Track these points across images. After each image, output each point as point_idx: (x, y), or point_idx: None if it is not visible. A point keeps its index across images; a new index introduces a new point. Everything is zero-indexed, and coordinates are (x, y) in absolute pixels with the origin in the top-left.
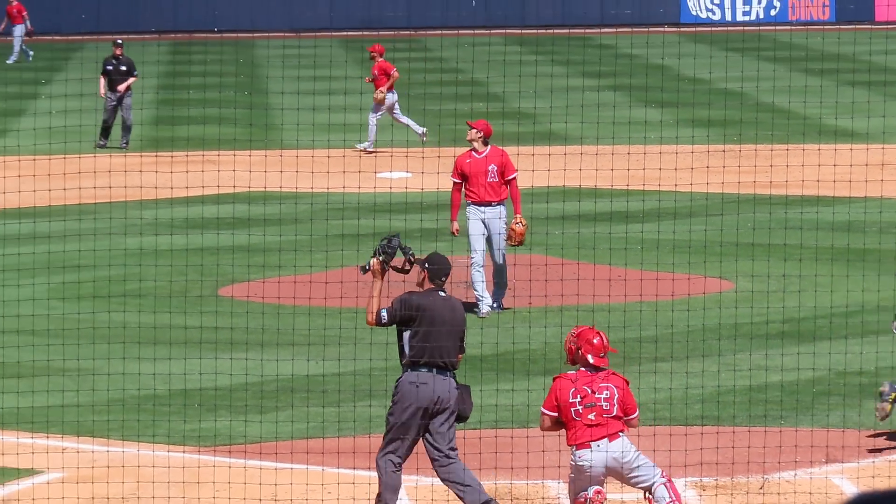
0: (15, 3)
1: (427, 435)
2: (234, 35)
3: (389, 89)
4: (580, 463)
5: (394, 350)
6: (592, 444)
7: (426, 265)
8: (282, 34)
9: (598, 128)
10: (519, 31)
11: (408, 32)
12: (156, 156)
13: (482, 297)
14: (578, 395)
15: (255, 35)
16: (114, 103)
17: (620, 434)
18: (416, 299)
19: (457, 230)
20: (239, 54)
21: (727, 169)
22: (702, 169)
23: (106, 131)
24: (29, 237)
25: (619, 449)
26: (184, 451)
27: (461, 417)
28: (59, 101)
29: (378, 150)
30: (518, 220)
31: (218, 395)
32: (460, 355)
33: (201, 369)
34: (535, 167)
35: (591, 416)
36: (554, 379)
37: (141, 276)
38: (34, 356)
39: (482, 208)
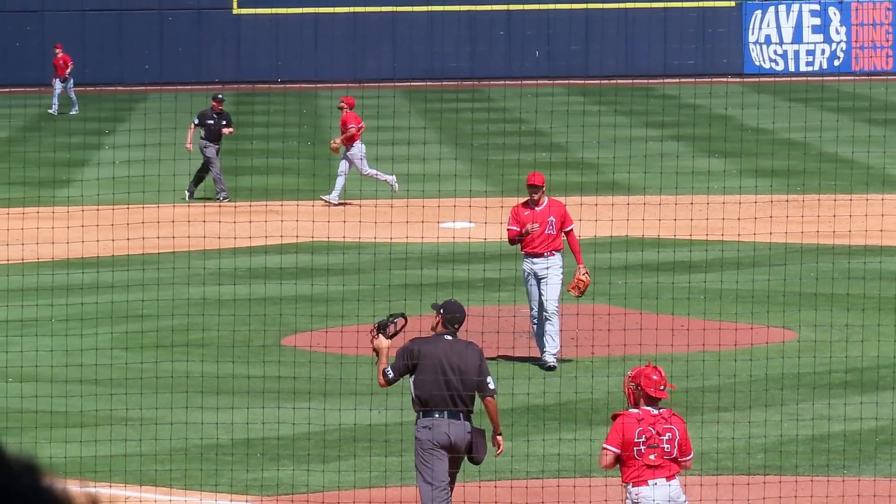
0: (61, 54)
1: None
2: (298, 86)
3: (350, 142)
4: (637, 500)
5: None
6: (650, 481)
7: (441, 310)
8: (345, 84)
9: (662, 178)
10: (582, 82)
11: (471, 83)
12: (219, 206)
13: (545, 349)
14: (643, 436)
15: (319, 85)
16: (213, 152)
17: (675, 476)
18: (416, 346)
19: (532, 227)
20: (302, 105)
21: (790, 219)
22: (765, 219)
23: (199, 181)
24: (92, 287)
25: (675, 489)
26: (246, 501)
27: (475, 461)
28: (123, 151)
29: (441, 199)
30: (585, 272)
31: (280, 444)
32: (489, 398)
33: (264, 418)
34: (599, 217)
35: (651, 457)
36: (615, 416)
37: (204, 325)
38: (97, 405)
39: (534, 260)
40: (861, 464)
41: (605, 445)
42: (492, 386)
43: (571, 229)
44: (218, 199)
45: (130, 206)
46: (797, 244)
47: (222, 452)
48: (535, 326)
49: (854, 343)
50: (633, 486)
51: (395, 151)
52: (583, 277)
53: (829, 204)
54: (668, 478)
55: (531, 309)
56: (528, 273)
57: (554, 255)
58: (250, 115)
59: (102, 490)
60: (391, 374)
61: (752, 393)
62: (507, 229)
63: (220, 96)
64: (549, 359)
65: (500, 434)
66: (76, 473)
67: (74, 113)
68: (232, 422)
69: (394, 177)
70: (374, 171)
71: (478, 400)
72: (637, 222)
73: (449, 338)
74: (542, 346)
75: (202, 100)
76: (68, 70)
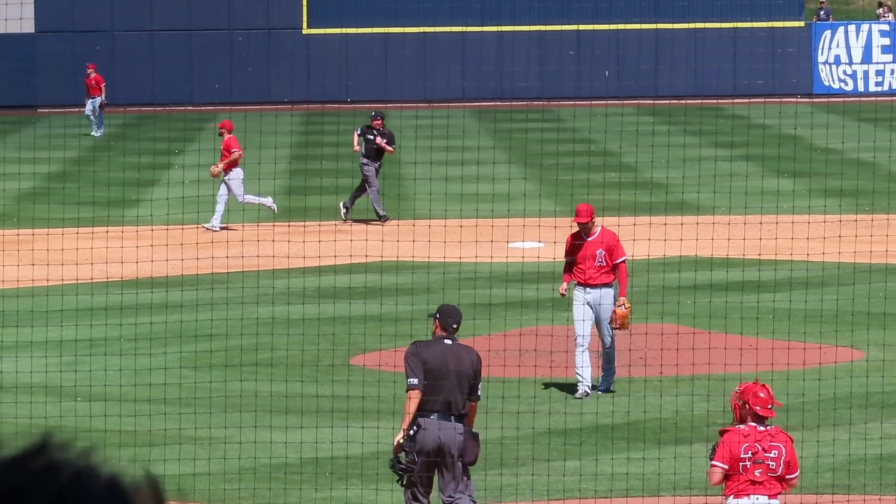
0: (93, 74)
1: (440, 476)
2: (367, 105)
3: (231, 166)
4: None
5: (526, 419)
6: (751, 496)
7: (437, 315)
8: (414, 104)
9: (731, 198)
10: (651, 102)
11: (540, 103)
12: (288, 225)
13: (582, 378)
14: (749, 451)
15: (388, 105)
16: (372, 170)
17: (777, 496)
18: (418, 349)
19: (564, 290)
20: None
21: (859, 238)
22: (834, 238)
23: (354, 199)
24: (161, 306)
25: None
26: None
27: (464, 463)
28: (192, 171)
29: (511, 219)
30: (621, 303)
31: (349, 463)
32: (473, 403)
33: (333, 438)
34: (668, 236)
35: (756, 473)
36: (722, 432)
37: (273, 345)
38: (166, 425)
39: (587, 289)
40: None
41: (713, 462)
42: (480, 392)
43: (623, 261)
44: (381, 217)
45: (200, 225)
46: (866, 264)
47: (291, 472)
48: (578, 358)
49: None
50: (733, 498)
51: (464, 171)
52: (617, 310)
53: None
54: (770, 496)
55: (577, 339)
56: (579, 302)
57: (606, 287)
58: (320, 135)
59: None
60: (415, 381)
61: (821, 412)
62: (565, 261)
63: (373, 113)
64: (605, 384)
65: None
66: None
67: (97, 135)
68: (301, 441)
69: (270, 198)
70: (251, 197)
71: None
72: (706, 242)
73: (448, 342)
74: (585, 374)
75: (271, 118)
76: (103, 93)
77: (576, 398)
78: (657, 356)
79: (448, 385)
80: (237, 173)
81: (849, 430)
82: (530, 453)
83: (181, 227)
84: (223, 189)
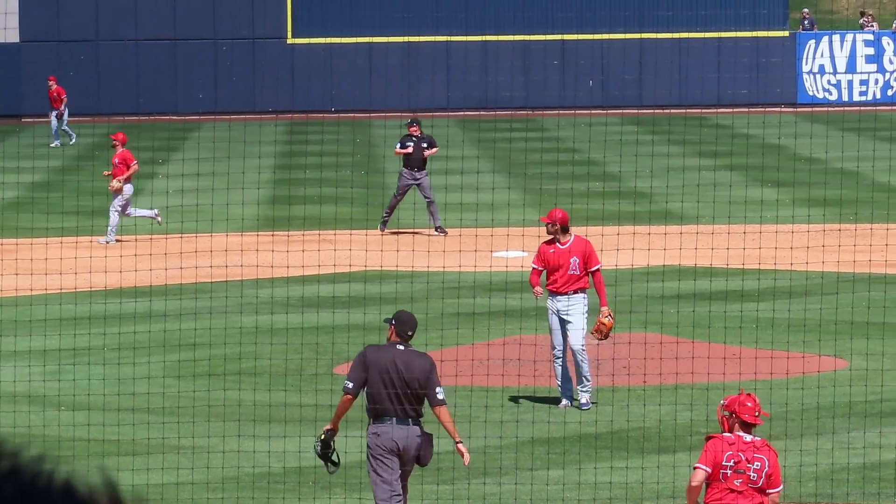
0: (54, 87)
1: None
2: (351, 115)
3: (127, 180)
4: None
5: (509, 428)
6: None
7: (393, 321)
8: (399, 114)
9: (714, 207)
10: (636, 111)
11: (525, 112)
12: (272, 235)
13: (563, 389)
14: (732, 460)
15: (372, 115)
16: (410, 183)
17: None
18: (368, 353)
19: (539, 292)
20: (356, 134)
21: (842, 248)
22: (817, 248)
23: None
24: (145, 315)
25: None
26: None
27: (420, 464)
28: (177, 180)
29: (494, 228)
30: (607, 314)
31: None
32: (437, 407)
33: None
34: (651, 246)
35: (736, 483)
36: (708, 438)
37: (256, 354)
38: (150, 434)
39: (557, 298)
40: None
41: (697, 464)
42: (440, 396)
43: (597, 269)
44: (381, 226)
45: (184, 235)
46: (849, 273)
47: (274, 481)
48: (558, 368)
49: None
50: None
51: (448, 180)
52: (605, 320)
53: (881, 233)
54: None
55: (553, 347)
56: (552, 311)
57: (577, 294)
58: (304, 145)
59: None
60: (350, 385)
61: (804, 421)
62: (532, 267)
63: (408, 120)
64: (584, 397)
65: (459, 442)
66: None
67: (73, 143)
68: (284, 450)
69: (156, 210)
70: (141, 211)
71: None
72: (690, 251)
73: (401, 347)
74: (566, 386)
75: (255, 128)
76: (63, 104)
77: (559, 409)
78: (641, 365)
79: (398, 387)
80: (128, 188)
81: (832, 439)
82: (513, 462)
83: (165, 236)
84: (119, 201)
